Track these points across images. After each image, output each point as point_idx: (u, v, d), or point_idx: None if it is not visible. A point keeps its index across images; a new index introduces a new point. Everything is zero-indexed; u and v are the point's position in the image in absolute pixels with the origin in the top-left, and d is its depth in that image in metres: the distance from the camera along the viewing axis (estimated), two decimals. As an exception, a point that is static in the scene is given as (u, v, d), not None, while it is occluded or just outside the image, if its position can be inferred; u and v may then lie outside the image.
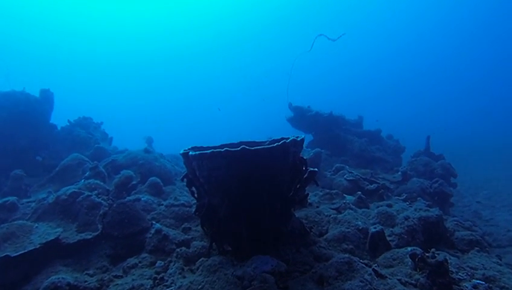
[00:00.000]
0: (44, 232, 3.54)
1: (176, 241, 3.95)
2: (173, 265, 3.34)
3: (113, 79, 58.13)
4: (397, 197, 6.23)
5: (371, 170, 8.46)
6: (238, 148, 3.00)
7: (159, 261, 3.56)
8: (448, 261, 3.09)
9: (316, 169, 4.21)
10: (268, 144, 3.74)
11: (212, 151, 3.10)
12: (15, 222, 3.70)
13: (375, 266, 3.25)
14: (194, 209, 4.33)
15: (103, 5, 55.03)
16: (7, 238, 3.42)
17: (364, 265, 3.10)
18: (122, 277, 3.34)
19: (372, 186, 6.31)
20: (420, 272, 3.03)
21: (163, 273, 3.27)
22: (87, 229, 3.83)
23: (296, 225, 3.84)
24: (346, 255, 3.16)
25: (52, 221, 4.07)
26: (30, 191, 5.95)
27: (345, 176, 6.73)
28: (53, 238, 3.45)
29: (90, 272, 3.38)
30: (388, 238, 4.11)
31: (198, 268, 3.24)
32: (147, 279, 3.17)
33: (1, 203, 4.47)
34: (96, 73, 57.07)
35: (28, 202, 4.76)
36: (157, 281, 3.07)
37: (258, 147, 3.03)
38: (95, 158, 7.40)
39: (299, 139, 3.45)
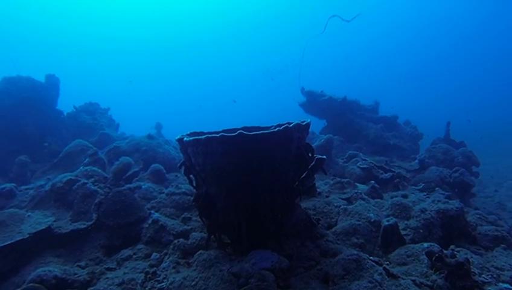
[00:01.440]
0: (35, 222, 3.38)
1: (174, 232, 3.74)
2: (168, 258, 3.13)
3: (126, 64, 58.29)
4: (414, 187, 5.84)
5: (386, 158, 8.03)
6: (235, 133, 2.71)
7: (154, 254, 3.36)
8: (470, 260, 2.76)
9: (324, 156, 3.88)
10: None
11: (207, 137, 2.82)
12: (6, 210, 3.56)
13: (387, 264, 2.94)
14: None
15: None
16: (-3, 227, 3.27)
17: (374, 263, 2.79)
18: (114, 269, 3.16)
19: (386, 175, 5.93)
20: (437, 273, 2.71)
21: (156, 268, 3.05)
22: (81, 218, 3.66)
23: (302, 217, 3.55)
24: (355, 252, 2.86)
25: (48, 209, 3.92)
26: (33, 177, 5.86)
27: (358, 164, 6.35)
28: (43, 228, 3.29)
29: (82, 263, 3.21)
30: (402, 232, 3.79)
31: (194, 262, 3.01)
32: (139, 273, 2.98)
33: (-1, 190, 4.35)
34: (109, 58, 57.31)
35: (26, 189, 4.64)
36: (149, 275, 2.86)
37: (257, 132, 2.72)
38: (100, 144, 7.28)
39: (304, 123, 3.12)
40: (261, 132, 2.74)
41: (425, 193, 5.54)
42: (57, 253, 3.33)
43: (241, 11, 58.96)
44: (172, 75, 60.35)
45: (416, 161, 7.22)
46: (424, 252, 3.08)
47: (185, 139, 3.04)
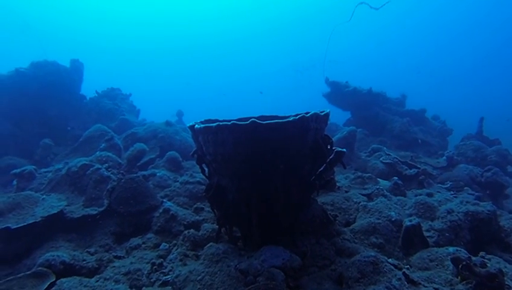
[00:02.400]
0: (48, 205, 3.39)
1: (185, 222, 3.66)
2: (176, 250, 3.05)
3: (152, 50, 59.12)
4: (440, 185, 5.48)
5: (412, 153, 7.63)
6: (247, 122, 2.54)
7: (163, 244, 3.30)
8: (504, 271, 2.48)
9: (344, 150, 3.64)
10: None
11: (218, 125, 2.67)
12: (23, 193, 3.60)
13: (407, 269, 2.72)
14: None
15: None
16: (12, 208, 3.31)
17: (393, 267, 2.58)
18: (123, 257, 3.12)
19: (411, 171, 5.59)
20: (464, 282, 2.46)
21: (162, 259, 2.98)
22: (93, 203, 3.65)
23: (318, 213, 3.36)
24: (372, 254, 2.65)
25: (63, 193, 3.95)
26: (55, 161, 5.98)
27: (381, 158, 6.04)
28: (55, 212, 3.28)
29: (92, 249, 3.20)
30: (426, 234, 3.52)
31: (202, 255, 2.91)
32: (147, 263, 2.92)
33: (19, 172, 4.44)
34: (137, 49, 58.35)
35: (45, 172, 4.71)
36: (155, 267, 2.79)
37: (271, 121, 2.54)
38: (120, 130, 7.34)
39: (322, 114, 2.91)
40: (274, 120, 2.56)
41: (452, 192, 5.19)
42: (69, 237, 3.33)
43: (270, 11, 58.75)
44: (202, 69, 60.77)
45: (444, 157, 6.79)
46: (449, 258, 2.83)
47: (196, 126, 2.92)
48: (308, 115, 2.72)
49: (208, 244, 3.14)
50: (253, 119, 2.55)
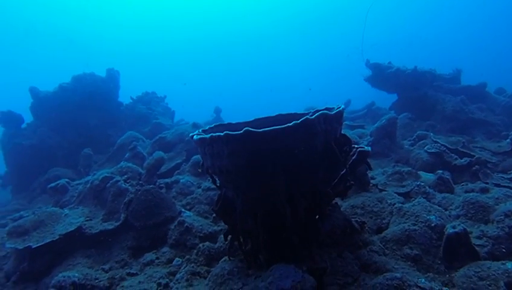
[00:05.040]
0: (68, 222, 3.47)
1: (202, 234, 3.52)
2: (184, 268, 2.90)
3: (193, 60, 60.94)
4: (502, 176, 4.67)
5: (467, 137, 6.69)
6: (240, 132, 2.26)
7: (176, 259, 3.19)
8: None
9: (369, 148, 3.20)
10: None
11: (211, 136, 2.43)
12: (48, 209, 3.74)
13: (445, 293, 2.26)
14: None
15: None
16: (36, 226, 3.43)
17: (425, 292, 2.15)
18: (135, 274, 3.06)
19: (462, 160, 4.84)
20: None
21: (172, 277, 2.86)
22: (112, 217, 3.67)
23: (339, 223, 2.98)
24: (398, 276, 2.24)
25: (87, 206, 4.04)
26: (92, 170, 6.25)
27: (425, 148, 5.34)
28: (73, 229, 3.33)
29: (107, 266, 3.21)
30: (476, 242, 2.97)
31: (210, 275, 2.73)
32: (155, 282, 2.81)
33: (53, 186, 4.66)
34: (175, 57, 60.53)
35: (77, 184, 4.90)
36: (160, 288, 2.67)
37: (266, 129, 2.23)
38: (153, 134, 7.48)
39: (333, 112, 2.51)
40: (271, 128, 2.24)
41: (516, 184, 4.38)
42: (88, 253, 3.38)
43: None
44: (243, 67, 61.23)
45: (508, 140, 5.82)
46: (504, 278, 2.31)
47: (194, 137, 2.71)
48: (313, 116, 2.35)
49: (222, 259, 2.97)
50: (247, 128, 2.26)
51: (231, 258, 2.88)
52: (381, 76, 9.70)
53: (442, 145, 5.24)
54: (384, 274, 2.34)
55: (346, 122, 9.22)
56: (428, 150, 5.16)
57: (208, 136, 2.45)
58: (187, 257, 3.19)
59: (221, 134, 2.35)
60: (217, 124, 3.50)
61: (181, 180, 4.71)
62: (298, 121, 2.29)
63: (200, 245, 3.24)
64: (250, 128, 2.25)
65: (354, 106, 12.61)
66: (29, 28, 50.03)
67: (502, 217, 3.05)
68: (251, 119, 3.61)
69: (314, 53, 59.29)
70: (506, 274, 2.39)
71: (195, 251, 3.20)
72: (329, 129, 2.52)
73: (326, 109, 3.13)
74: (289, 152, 2.35)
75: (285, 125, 2.26)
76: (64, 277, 2.78)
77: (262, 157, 2.33)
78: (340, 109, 2.61)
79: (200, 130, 3.18)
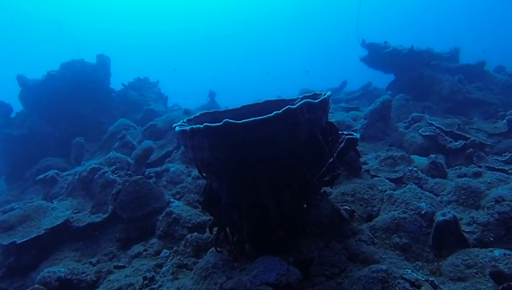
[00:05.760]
0: (55, 216, 3.42)
1: (190, 224, 3.48)
2: (171, 260, 2.87)
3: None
4: (496, 159, 4.59)
5: (464, 118, 6.58)
6: (220, 124, 2.17)
7: (164, 251, 3.16)
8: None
9: (357, 136, 3.11)
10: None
11: (192, 128, 2.34)
12: (34, 203, 3.69)
13: (430, 282, 2.21)
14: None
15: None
16: (22, 221, 3.40)
17: (409, 284, 2.11)
18: (123, 267, 3.04)
19: (457, 143, 4.76)
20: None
21: (159, 269, 2.84)
22: (100, 209, 3.62)
23: (327, 212, 2.93)
24: (383, 267, 2.20)
25: (76, 198, 3.99)
26: (83, 159, 6.18)
27: (420, 130, 5.24)
28: (60, 223, 3.29)
29: (94, 260, 3.18)
30: (466, 229, 2.94)
31: (195, 268, 2.70)
32: (141, 275, 2.79)
33: (42, 178, 4.60)
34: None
35: (67, 175, 4.84)
36: (145, 281, 2.64)
37: (247, 120, 2.14)
38: (145, 121, 7.36)
39: (317, 100, 2.40)
40: (251, 119, 2.14)
41: (511, 167, 4.32)
42: (75, 246, 3.36)
43: None
44: (240, 51, 60.23)
45: (505, 120, 5.71)
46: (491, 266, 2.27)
47: (176, 128, 2.62)
48: (295, 106, 2.24)
49: (210, 250, 2.94)
50: (226, 119, 2.16)
51: (218, 249, 2.85)
52: (378, 56, 9.48)
53: (437, 127, 5.14)
54: (370, 266, 2.30)
55: (341, 104, 9.08)
56: (423, 133, 5.06)
57: (188, 128, 2.36)
58: (175, 248, 3.17)
59: (201, 126, 2.26)
60: (203, 112, 3.40)
61: (171, 169, 4.65)
62: (279, 111, 2.18)
63: (188, 236, 3.21)
64: (230, 120, 2.16)
65: (352, 86, 12.39)
66: (15, 14, 48.66)
67: (492, 203, 2.99)
68: (239, 106, 3.52)
69: (311, 35, 58.41)
70: (493, 262, 2.36)
71: (183, 242, 3.17)
72: (314, 118, 2.42)
73: (314, 94, 3.03)
74: (271, 143, 2.26)
75: (266, 116, 2.17)
76: (49, 272, 2.76)
77: (244, 149, 2.25)
78: (325, 96, 2.49)
79: (185, 120, 3.09)
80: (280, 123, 2.21)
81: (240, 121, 2.15)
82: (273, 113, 2.18)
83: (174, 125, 2.77)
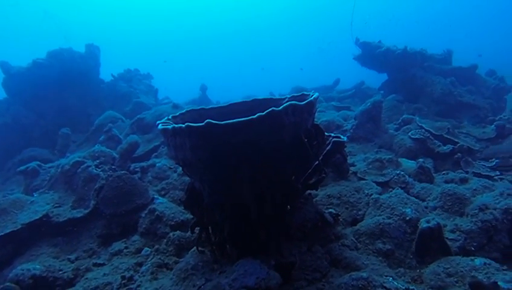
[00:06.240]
0: (33, 210, 3.32)
1: (173, 222, 3.41)
2: (151, 259, 2.81)
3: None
4: (483, 164, 4.61)
5: (454, 122, 6.60)
6: (202, 124, 2.10)
7: (145, 249, 3.10)
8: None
9: (344, 138, 3.07)
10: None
11: (174, 127, 2.26)
12: (11, 196, 3.58)
13: (411, 292, 2.20)
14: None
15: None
16: (-2, 214, 3.27)
17: (390, 292, 2.09)
18: (102, 265, 2.97)
19: (445, 147, 4.76)
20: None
21: (139, 267, 2.78)
22: (82, 204, 3.53)
23: (310, 216, 2.89)
24: (364, 275, 2.17)
25: (58, 192, 3.88)
26: (69, 151, 6.05)
27: (409, 133, 5.23)
28: (38, 217, 3.19)
29: (73, 256, 3.10)
30: (450, 236, 2.93)
31: (174, 269, 2.65)
32: (121, 273, 2.72)
33: (23, 169, 4.48)
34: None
35: (49, 167, 4.72)
36: (124, 281, 2.58)
37: (229, 121, 2.07)
38: (134, 113, 7.23)
39: (303, 103, 2.34)
40: (233, 120, 2.08)
41: (498, 173, 4.33)
42: (54, 242, 3.27)
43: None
44: (235, 47, 59.82)
45: (493, 126, 5.74)
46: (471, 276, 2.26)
47: (159, 127, 2.54)
48: (280, 108, 2.18)
49: (192, 250, 2.88)
50: (208, 120, 2.09)
51: (200, 249, 2.80)
52: (371, 55, 9.44)
53: (426, 130, 5.14)
54: (351, 274, 2.27)
55: (332, 103, 9.05)
56: (412, 136, 5.05)
57: (170, 127, 2.29)
58: (156, 246, 3.10)
59: (183, 126, 2.18)
60: (190, 109, 3.32)
61: (157, 164, 4.56)
62: (263, 113, 2.12)
63: (170, 234, 3.15)
64: (212, 121, 2.09)
65: (346, 84, 12.34)
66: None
67: (476, 211, 2.99)
68: (226, 104, 3.45)
69: (306, 32, 58.33)
70: (474, 271, 2.35)
71: (165, 241, 3.11)
72: (299, 121, 2.37)
73: (302, 95, 2.97)
74: (254, 145, 2.20)
75: (249, 118, 2.10)
76: (23, 269, 2.67)
77: (226, 150, 2.19)
78: (312, 98, 2.43)
79: (170, 116, 3.01)
80: (263, 125, 2.15)
81: (222, 122, 2.08)
82: (256, 115, 2.11)
83: (157, 122, 2.69)
